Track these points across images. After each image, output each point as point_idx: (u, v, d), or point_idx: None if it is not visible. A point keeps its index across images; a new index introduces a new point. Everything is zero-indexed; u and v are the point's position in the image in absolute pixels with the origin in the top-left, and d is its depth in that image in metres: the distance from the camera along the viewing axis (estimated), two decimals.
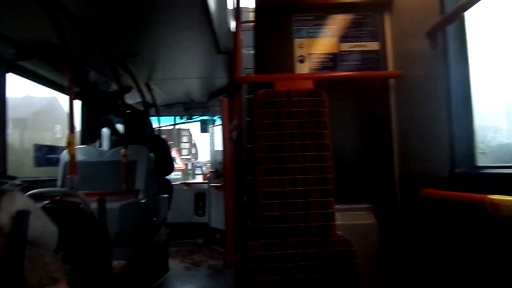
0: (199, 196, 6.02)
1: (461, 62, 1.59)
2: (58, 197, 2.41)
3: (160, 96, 5.33)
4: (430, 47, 1.69)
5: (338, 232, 1.74)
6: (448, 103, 1.59)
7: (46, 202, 2.12)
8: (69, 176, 2.25)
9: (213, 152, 6.46)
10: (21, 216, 1.38)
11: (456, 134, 1.57)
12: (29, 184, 2.51)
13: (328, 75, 2.17)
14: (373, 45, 2.21)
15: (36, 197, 2.18)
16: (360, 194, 2.11)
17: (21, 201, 1.44)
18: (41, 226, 1.53)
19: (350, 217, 1.98)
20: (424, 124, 1.85)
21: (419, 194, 1.71)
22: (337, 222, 1.74)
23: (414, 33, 1.92)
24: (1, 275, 1.30)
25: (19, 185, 1.73)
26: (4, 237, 1.34)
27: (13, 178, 2.92)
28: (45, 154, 3.74)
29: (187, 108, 6.13)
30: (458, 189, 1.46)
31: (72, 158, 2.26)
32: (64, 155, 3.43)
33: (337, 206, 1.76)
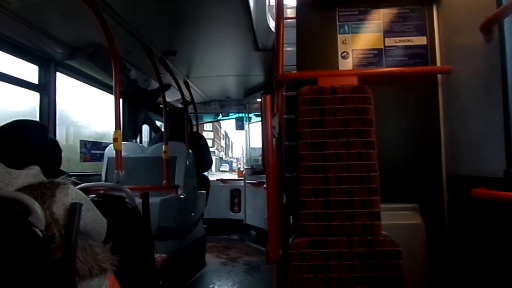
0: (235, 192, 6.07)
1: None
2: (102, 191, 2.50)
3: (198, 93, 5.42)
4: (484, 41, 1.62)
5: (384, 232, 1.70)
6: (504, 99, 1.51)
7: (93, 196, 2.20)
8: (115, 170, 2.32)
9: (249, 149, 6.49)
10: (75, 208, 1.44)
11: None
12: (77, 178, 2.62)
13: (373, 71, 2.12)
14: (420, 40, 2.13)
15: (83, 191, 2.28)
16: (406, 194, 2.04)
17: (74, 193, 1.51)
18: (92, 218, 1.60)
19: (395, 217, 1.93)
20: (475, 121, 1.77)
21: (469, 195, 1.63)
22: (382, 222, 1.71)
23: (465, 26, 1.84)
24: (57, 264, 1.36)
25: (70, 178, 1.81)
26: (60, 228, 1.41)
27: (64, 172, 3.06)
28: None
29: (223, 105, 6.20)
30: None
31: (118, 154, 2.34)
32: (108, 151, 3.56)
33: (382, 205, 1.72)
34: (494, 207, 1.53)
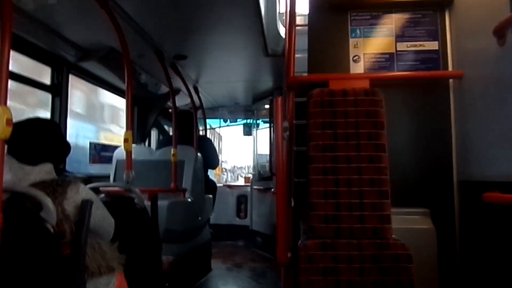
0: (241, 198, 6.06)
1: None
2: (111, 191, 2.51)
3: (207, 98, 5.45)
4: (497, 45, 1.61)
5: (394, 236, 1.68)
6: None
7: (102, 195, 2.21)
8: (126, 171, 2.33)
9: (256, 156, 6.48)
10: (86, 205, 1.45)
11: None
12: (87, 178, 2.63)
13: (384, 75, 2.12)
14: (432, 45, 2.14)
15: (93, 191, 2.29)
16: (417, 198, 2.03)
17: (84, 192, 1.52)
18: (101, 216, 1.61)
19: (406, 221, 1.91)
20: (487, 126, 1.76)
21: (480, 200, 1.62)
22: (393, 226, 1.69)
23: (478, 31, 1.84)
24: (67, 260, 1.37)
25: (82, 177, 1.83)
26: (70, 224, 1.42)
27: (70, 173, 3.09)
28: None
29: (231, 111, 6.22)
30: None
31: (129, 154, 2.35)
32: (117, 153, 3.58)
33: (393, 210, 1.71)
34: (506, 211, 1.52)
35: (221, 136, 7.48)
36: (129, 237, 1.90)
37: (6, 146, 1.27)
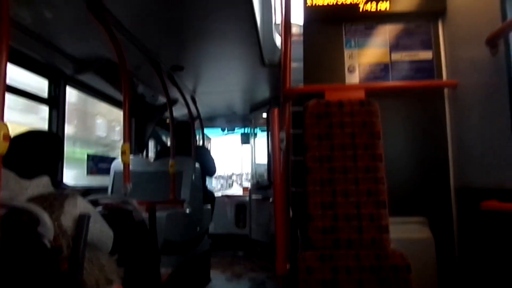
0: (240, 207, 6.04)
1: None
2: (109, 204, 2.50)
3: (204, 109, 5.45)
4: (490, 54, 1.63)
5: (392, 246, 1.68)
6: (511, 111, 1.52)
7: (100, 208, 2.20)
8: (124, 183, 2.32)
9: (254, 165, 6.48)
10: (83, 220, 1.44)
11: None
12: (85, 191, 2.62)
13: (380, 85, 2.14)
14: (426, 54, 2.16)
15: (91, 203, 2.28)
16: (414, 207, 2.03)
17: (82, 205, 1.51)
18: (99, 230, 1.60)
19: (404, 231, 1.91)
20: (483, 134, 1.78)
21: (478, 207, 1.62)
22: (391, 236, 1.69)
23: (470, 41, 1.86)
24: (64, 275, 1.36)
25: (79, 190, 1.83)
26: (68, 239, 1.41)
27: (68, 186, 3.08)
28: None
29: (228, 120, 6.22)
30: None
31: (126, 166, 2.34)
32: (115, 165, 3.57)
33: (390, 219, 1.71)
34: (505, 219, 1.52)
35: (209, 138, 7.36)
36: (127, 250, 1.89)
37: (3, 160, 1.26)
